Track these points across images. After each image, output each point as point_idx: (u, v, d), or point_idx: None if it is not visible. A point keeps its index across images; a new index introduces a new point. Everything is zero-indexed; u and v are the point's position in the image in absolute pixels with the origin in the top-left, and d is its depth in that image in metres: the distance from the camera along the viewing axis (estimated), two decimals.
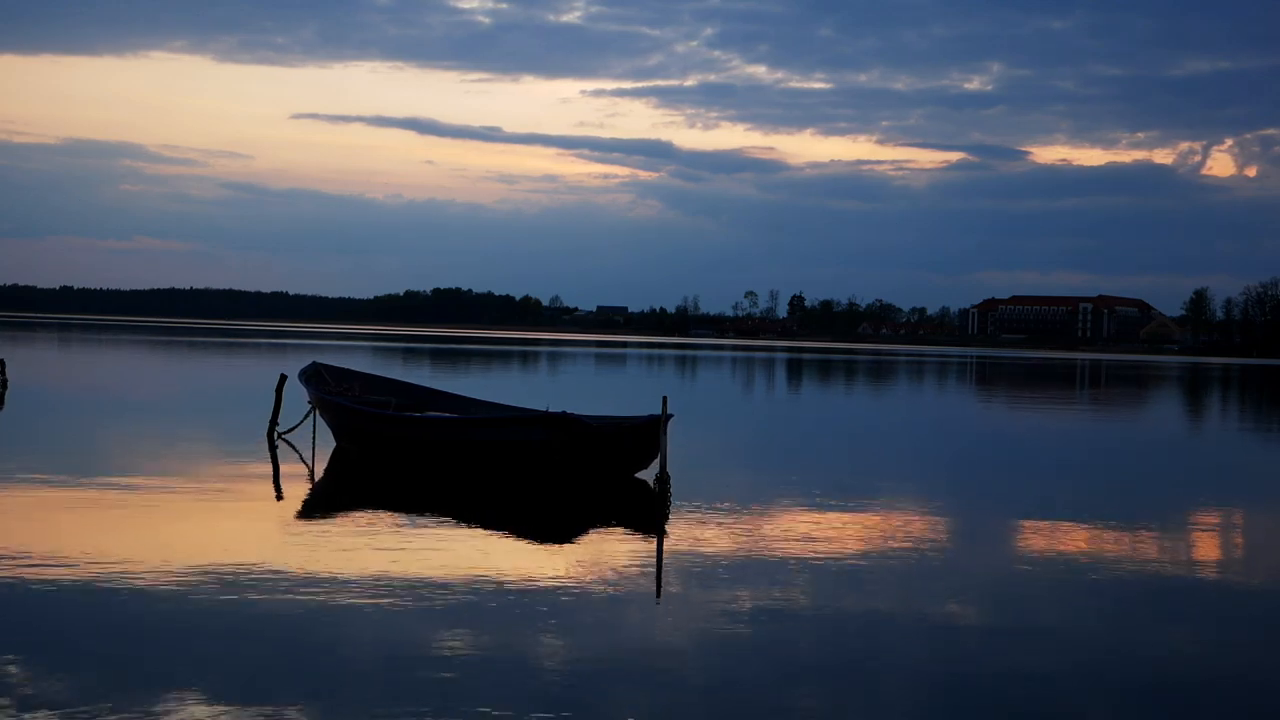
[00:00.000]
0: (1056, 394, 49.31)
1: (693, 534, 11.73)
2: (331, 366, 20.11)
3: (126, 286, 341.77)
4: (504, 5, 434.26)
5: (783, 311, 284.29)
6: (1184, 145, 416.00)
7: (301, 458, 17.03)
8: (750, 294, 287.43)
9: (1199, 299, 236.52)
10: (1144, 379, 71.54)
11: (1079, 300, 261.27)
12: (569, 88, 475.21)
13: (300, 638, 7.64)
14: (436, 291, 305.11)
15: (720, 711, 6.58)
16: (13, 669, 6.83)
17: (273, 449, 17.85)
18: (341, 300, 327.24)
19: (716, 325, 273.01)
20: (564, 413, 15.36)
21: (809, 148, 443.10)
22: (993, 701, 6.96)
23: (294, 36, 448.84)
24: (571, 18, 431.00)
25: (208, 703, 6.35)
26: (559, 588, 9.22)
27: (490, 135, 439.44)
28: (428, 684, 6.80)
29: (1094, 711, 6.84)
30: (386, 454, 16.82)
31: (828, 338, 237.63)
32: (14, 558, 9.51)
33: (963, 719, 6.69)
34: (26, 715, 6.08)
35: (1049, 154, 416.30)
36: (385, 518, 12.23)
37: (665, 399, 15.72)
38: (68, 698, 6.35)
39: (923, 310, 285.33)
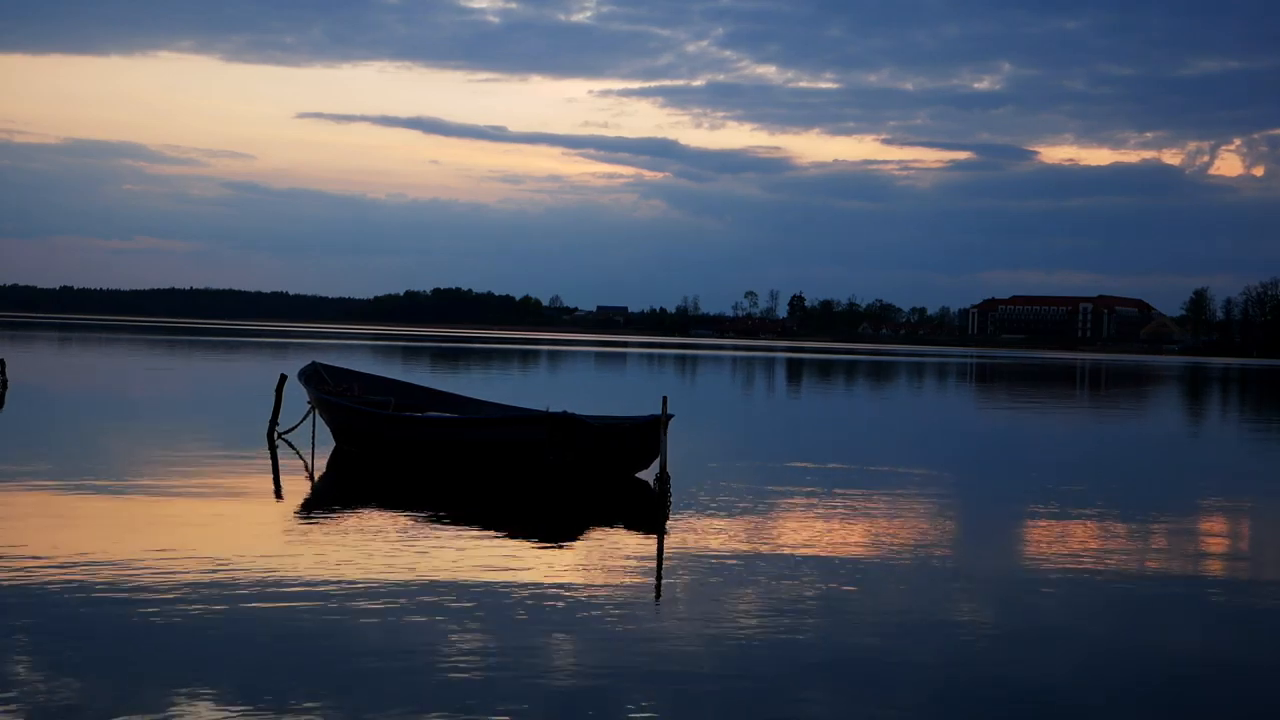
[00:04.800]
0: (1058, 394, 49.30)
1: (693, 534, 11.73)
2: (331, 366, 20.11)
3: (127, 286, 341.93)
4: (514, 5, 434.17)
5: (783, 311, 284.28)
6: (1192, 145, 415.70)
7: (301, 458, 17.03)
8: (750, 294, 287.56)
9: (1199, 299, 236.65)
10: (1144, 379, 71.54)
11: (1079, 300, 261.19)
12: (577, 87, 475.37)
13: (304, 639, 7.63)
14: (437, 291, 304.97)
15: (723, 712, 6.58)
16: (17, 670, 6.83)
17: (273, 449, 17.85)
18: (341, 300, 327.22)
19: (716, 325, 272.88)
20: (565, 413, 15.36)
21: (815, 147, 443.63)
22: (999, 701, 6.95)
23: (303, 36, 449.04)
24: (582, 17, 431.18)
25: (215, 704, 6.35)
26: (560, 588, 9.22)
27: (496, 135, 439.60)
28: (432, 684, 6.80)
29: (1100, 711, 6.84)
30: (386, 454, 16.81)
31: (827, 338, 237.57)
32: (14, 559, 9.51)
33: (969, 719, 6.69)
34: (33, 717, 6.08)
35: (1056, 154, 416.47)
36: (386, 518, 12.23)
37: (665, 399, 15.72)
38: (74, 699, 6.35)
39: (923, 310, 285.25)
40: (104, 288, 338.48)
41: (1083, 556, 11.38)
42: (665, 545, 11.23)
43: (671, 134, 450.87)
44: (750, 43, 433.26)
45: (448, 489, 14.66)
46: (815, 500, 14.35)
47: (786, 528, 12.33)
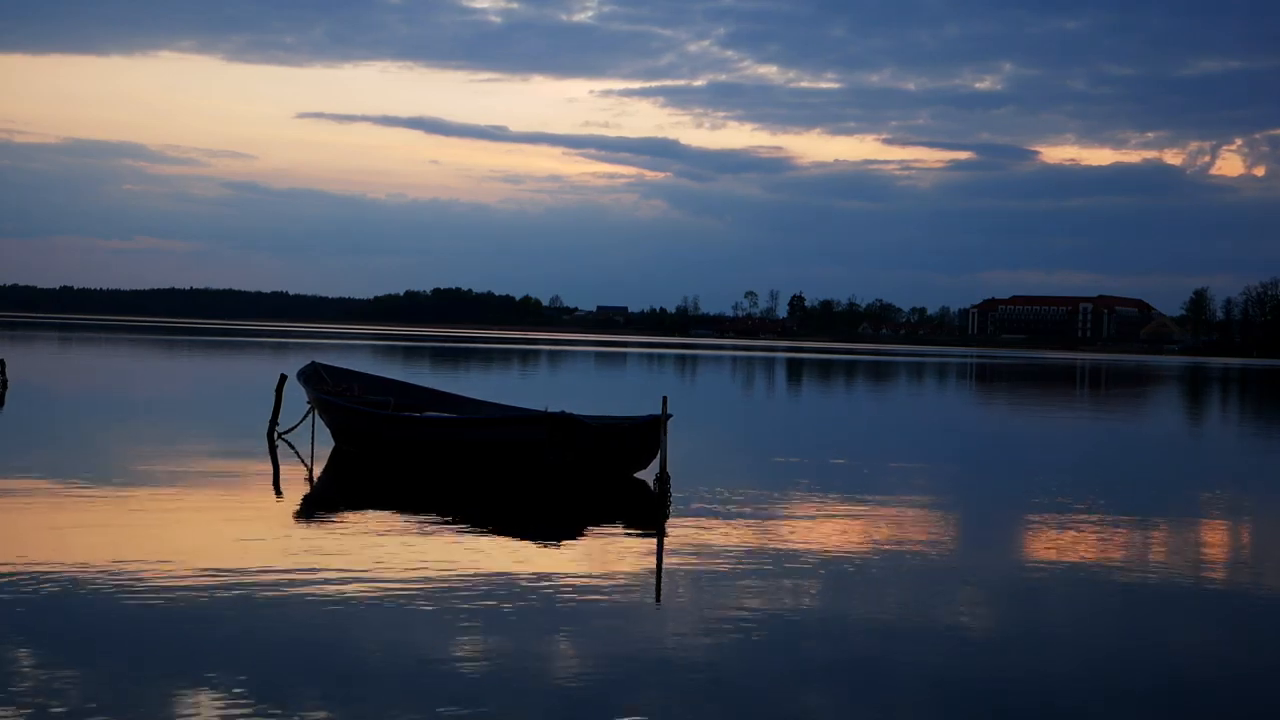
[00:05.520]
0: (1058, 395, 49.30)
1: (693, 534, 11.73)
2: (330, 366, 20.10)
3: (127, 286, 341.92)
4: (515, 5, 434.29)
5: (783, 311, 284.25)
6: (1193, 145, 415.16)
7: (301, 458, 17.02)
8: (750, 294, 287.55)
9: (1199, 299, 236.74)
10: (1144, 379, 71.54)
11: (1079, 300, 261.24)
12: (578, 87, 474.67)
13: (304, 638, 7.63)
14: (437, 291, 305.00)
15: (723, 712, 6.57)
16: (19, 671, 6.82)
17: (273, 449, 17.85)
18: (341, 300, 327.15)
19: (716, 325, 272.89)
20: (563, 413, 15.36)
21: (816, 147, 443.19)
22: (999, 702, 6.95)
23: (304, 36, 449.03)
24: (583, 17, 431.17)
25: (215, 703, 6.34)
26: (560, 588, 9.21)
27: (497, 135, 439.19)
28: (431, 684, 6.79)
29: (1100, 712, 6.83)
30: (385, 455, 16.81)
31: (827, 338, 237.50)
32: (14, 558, 9.51)
33: None
34: (33, 717, 6.08)
35: (1057, 154, 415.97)
36: (385, 518, 12.23)
37: (665, 399, 15.72)
38: (74, 698, 6.34)
39: (923, 310, 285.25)
40: (104, 288, 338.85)
41: (1083, 557, 11.38)
42: (665, 545, 11.22)
43: (672, 134, 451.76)
44: (751, 43, 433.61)
45: (447, 489, 14.65)
46: (815, 500, 14.34)
47: (786, 527, 12.33)
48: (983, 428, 30.32)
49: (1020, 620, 8.93)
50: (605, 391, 38.48)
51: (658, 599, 9.11)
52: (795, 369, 68.23)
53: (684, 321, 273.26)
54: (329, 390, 18.76)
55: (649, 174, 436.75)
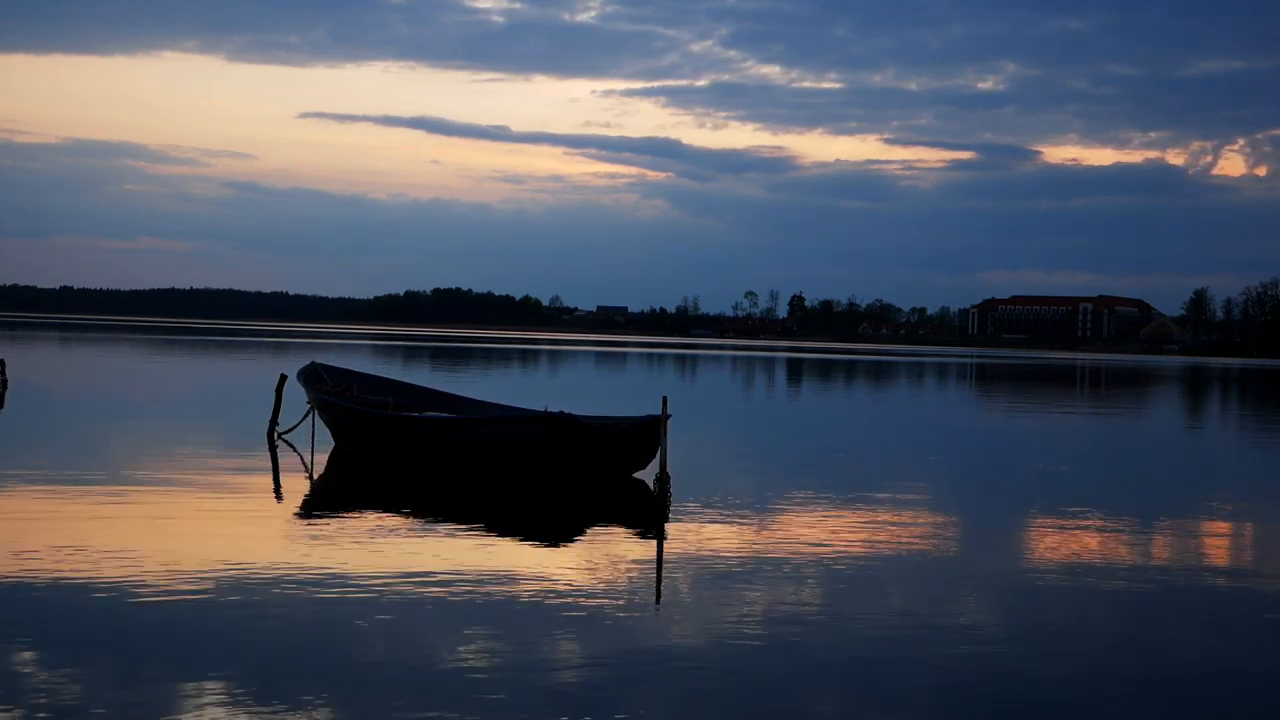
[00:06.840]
0: (1058, 395, 49.30)
1: (693, 534, 11.73)
2: (330, 366, 20.10)
3: (127, 286, 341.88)
4: (518, 5, 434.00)
5: (783, 311, 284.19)
6: (1195, 145, 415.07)
7: (301, 458, 17.02)
8: (750, 294, 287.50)
9: (1199, 299, 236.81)
10: (1144, 379, 71.54)
11: (1079, 300, 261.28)
12: (580, 87, 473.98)
13: (304, 638, 7.63)
14: (437, 291, 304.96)
15: (724, 712, 6.57)
16: (19, 671, 6.83)
17: (273, 449, 17.85)
18: (341, 300, 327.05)
19: (716, 325, 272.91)
20: (562, 413, 15.36)
21: (818, 147, 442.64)
22: (1000, 703, 6.94)
23: (306, 36, 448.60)
24: (586, 17, 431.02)
25: (215, 703, 6.34)
26: (560, 588, 9.21)
27: (498, 135, 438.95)
28: (431, 684, 6.79)
29: (1100, 711, 6.83)
30: (385, 455, 16.81)
31: (827, 338, 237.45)
32: (14, 559, 9.51)
33: None
34: (33, 717, 6.08)
35: (1059, 154, 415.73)
36: (385, 519, 12.23)
37: (665, 399, 15.72)
38: (74, 699, 6.34)
39: (923, 310, 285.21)
40: (104, 288, 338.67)
41: (1083, 556, 11.38)
42: (665, 545, 11.22)
43: (674, 134, 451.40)
44: (754, 42, 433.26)
45: (447, 489, 14.65)
46: (815, 500, 14.34)
47: (786, 528, 12.33)
48: (983, 428, 30.32)
49: (1021, 620, 8.93)
50: (605, 391, 38.48)
51: (658, 599, 9.11)
52: (795, 369, 68.24)
53: (684, 321, 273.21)
54: (329, 390, 18.76)
55: (650, 174, 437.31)
